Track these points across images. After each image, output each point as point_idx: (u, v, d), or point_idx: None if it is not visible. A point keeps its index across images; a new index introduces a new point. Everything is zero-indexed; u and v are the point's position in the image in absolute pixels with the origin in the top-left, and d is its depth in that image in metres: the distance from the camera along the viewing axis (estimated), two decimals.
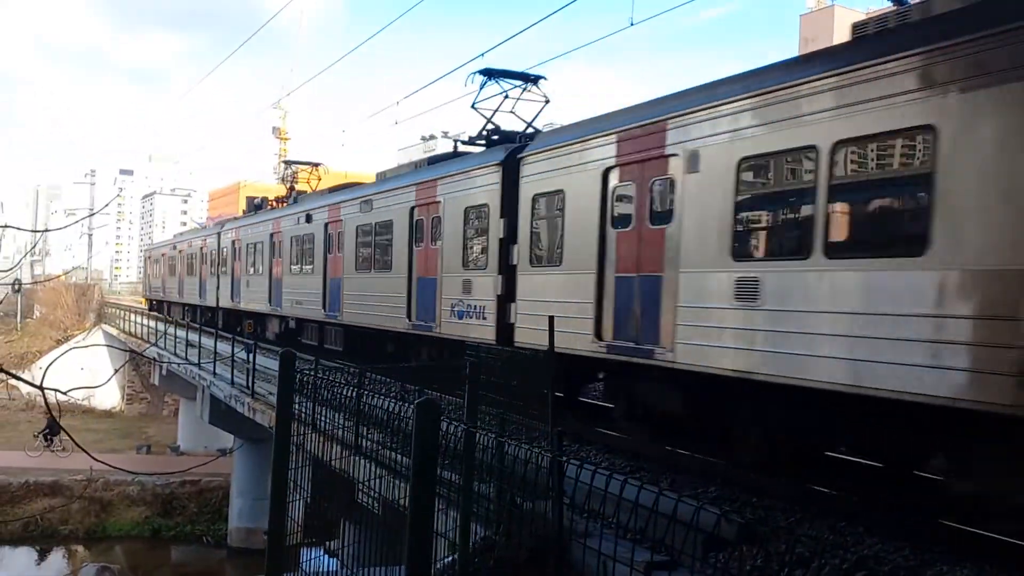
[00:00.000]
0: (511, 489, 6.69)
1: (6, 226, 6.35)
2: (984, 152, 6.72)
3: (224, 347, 22.79)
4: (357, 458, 9.36)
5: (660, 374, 10.10)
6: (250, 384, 19.07)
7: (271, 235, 27.10)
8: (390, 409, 6.69)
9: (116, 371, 38.19)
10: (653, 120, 10.46)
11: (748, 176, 8.92)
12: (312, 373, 7.95)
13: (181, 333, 29.41)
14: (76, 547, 32.17)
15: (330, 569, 7.82)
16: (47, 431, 35.71)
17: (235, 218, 37.00)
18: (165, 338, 31.47)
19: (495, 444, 6.12)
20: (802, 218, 8.29)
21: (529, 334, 12.69)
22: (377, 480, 7.71)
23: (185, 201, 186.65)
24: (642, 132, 10.63)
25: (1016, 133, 6.52)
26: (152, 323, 38.34)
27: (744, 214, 8.95)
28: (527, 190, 13.09)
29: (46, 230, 6.06)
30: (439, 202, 16.19)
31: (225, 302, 32.57)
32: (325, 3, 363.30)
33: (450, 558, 6.77)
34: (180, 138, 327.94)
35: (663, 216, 10.18)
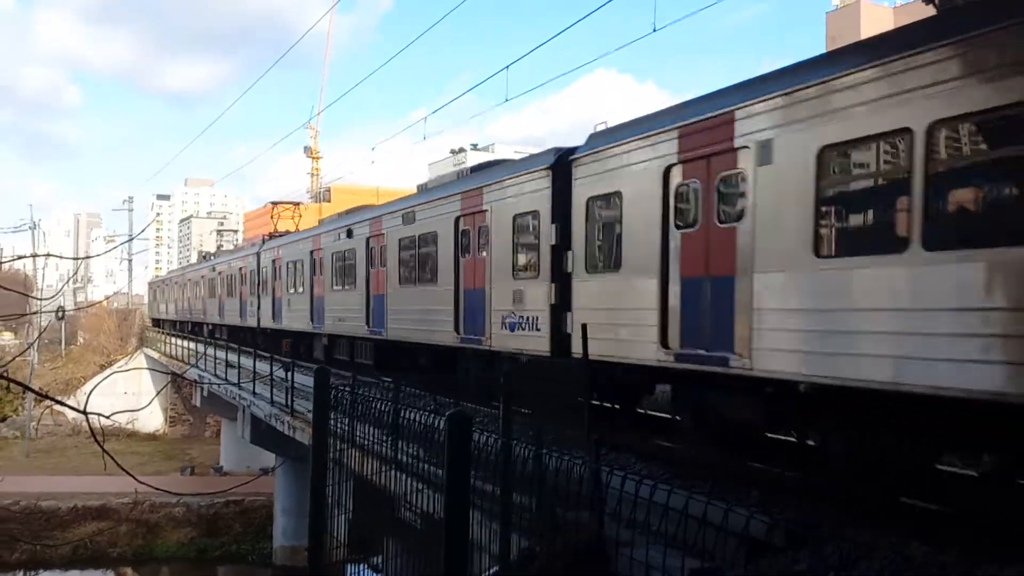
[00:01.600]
0: (550, 500, 6.67)
1: (48, 254, 6.49)
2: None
3: (263, 366, 23.03)
4: (397, 473, 9.39)
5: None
6: (289, 402, 19.22)
7: (202, 277, 45.17)
8: (425, 422, 6.71)
9: (157, 393, 38.85)
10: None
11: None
12: (347, 389, 8.00)
13: (221, 354, 29.79)
14: (125, 569, 32.64)
15: None
16: None
17: (192, 264, 59.22)
18: (205, 359, 31.88)
19: (532, 455, 6.11)
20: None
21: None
22: (417, 494, 7.73)
23: (221, 224, 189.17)
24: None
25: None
26: (192, 345, 38.91)
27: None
28: (264, 259, 31.92)
29: (86, 257, 6.18)
30: (251, 269, 34.00)
31: (184, 316, 51.15)
32: (355, 24, 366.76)
33: (492, 569, 6.75)
34: (216, 161, 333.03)
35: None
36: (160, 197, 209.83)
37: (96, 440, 4.69)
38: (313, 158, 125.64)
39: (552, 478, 6.37)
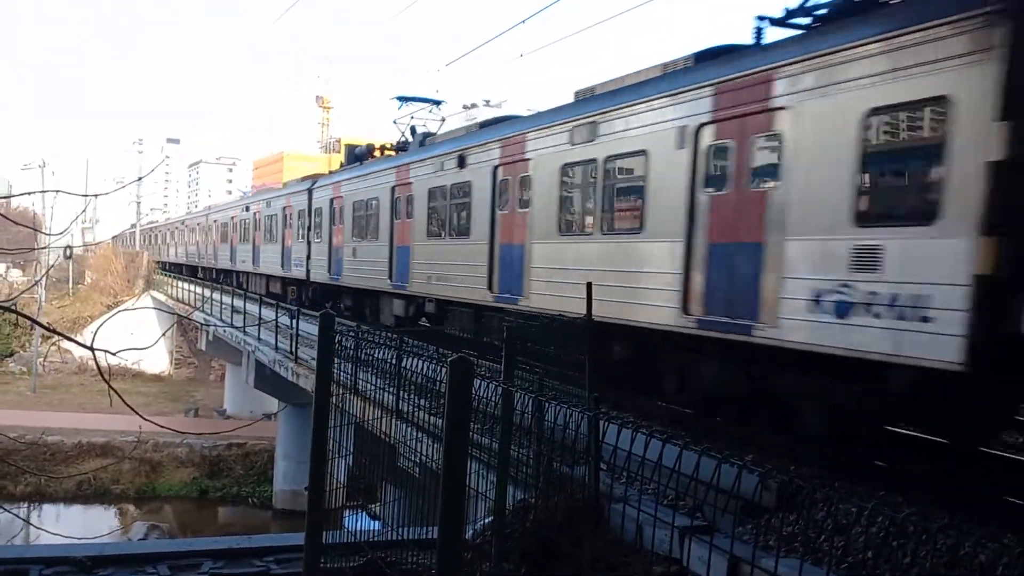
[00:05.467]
0: (548, 452, 6.76)
1: (58, 191, 6.52)
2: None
3: (268, 313, 23.19)
4: (397, 422, 9.50)
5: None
6: (293, 349, 19.38)
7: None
8: (425, 372, 6.80)
9: (163, 333, 39.13)
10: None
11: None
12: (352, 335, 8.10)
13: (227, 299, 29.95)
14: (127, 506, 33.22)
15: (372, 528, 7.99)
16: None
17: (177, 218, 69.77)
18: (211, 304, 32.08)
19: (533, 406, 6.18)
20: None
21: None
22: (416, 442, 7.83)
23: (230, 170, 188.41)
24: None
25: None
26: (199, 289, 39.10)
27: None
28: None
29: (95, 195, 6.20)
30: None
31: (180, 258, 56.28)
32: None
33: (488, 519, 6.87)
34: (225, 105, 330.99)
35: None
36: (170, 140, 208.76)
37: (103, 376, 4.76)
38: (324, 108, 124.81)
39: (550, 430, 6.45)
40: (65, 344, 46.18)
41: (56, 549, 7.15)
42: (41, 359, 46.07)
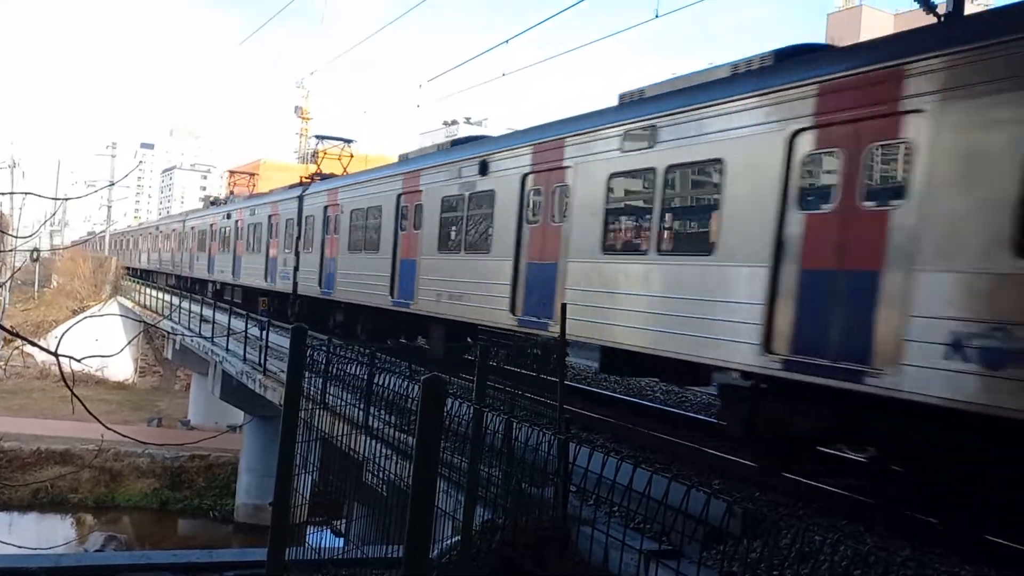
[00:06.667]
0: (517, 473, 6.73)
1: (28, 193, 6.43)
2: None
3: (237, 323, 22.97)
4: (366, 438, 9.42)
5: None
6: (262, 361, 19.19)
7: (141, 235, 59.44)
8: (396, 388, 6.77)
9: (130, 341, 38.58)
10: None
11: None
12: (323, 350, 8.02)
13: (196, 308, 29.64)
14: (85, 515, 32.60)
15: (336, 545, 7.90)
16: None
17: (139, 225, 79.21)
18: (179, 312, 31.75)
19: (503, 426, 6.16)
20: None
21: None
22: (384, 460, 7.77)
23: (204, 177, 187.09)
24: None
25: None
26: (167, 297, 38.68)
27: None
28: (185, 228, 44.85)
29: (66, 198, 6.13)
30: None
31: (134, 262, 63.84)
32: None
33: (454, 538, 6.82)
34: (203, 112, 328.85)
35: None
36: (144, 145, 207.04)
37: (66, 383, 4.68)
38: (303, 119, 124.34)
39: (520, 451, 6.44)
40: (28, 348, 45.38)
41: (9, 560, 6.98)
42: (2, 363, 45.21)
